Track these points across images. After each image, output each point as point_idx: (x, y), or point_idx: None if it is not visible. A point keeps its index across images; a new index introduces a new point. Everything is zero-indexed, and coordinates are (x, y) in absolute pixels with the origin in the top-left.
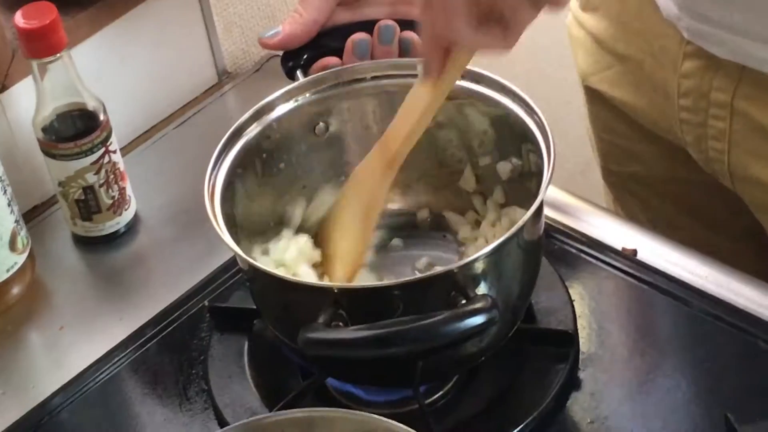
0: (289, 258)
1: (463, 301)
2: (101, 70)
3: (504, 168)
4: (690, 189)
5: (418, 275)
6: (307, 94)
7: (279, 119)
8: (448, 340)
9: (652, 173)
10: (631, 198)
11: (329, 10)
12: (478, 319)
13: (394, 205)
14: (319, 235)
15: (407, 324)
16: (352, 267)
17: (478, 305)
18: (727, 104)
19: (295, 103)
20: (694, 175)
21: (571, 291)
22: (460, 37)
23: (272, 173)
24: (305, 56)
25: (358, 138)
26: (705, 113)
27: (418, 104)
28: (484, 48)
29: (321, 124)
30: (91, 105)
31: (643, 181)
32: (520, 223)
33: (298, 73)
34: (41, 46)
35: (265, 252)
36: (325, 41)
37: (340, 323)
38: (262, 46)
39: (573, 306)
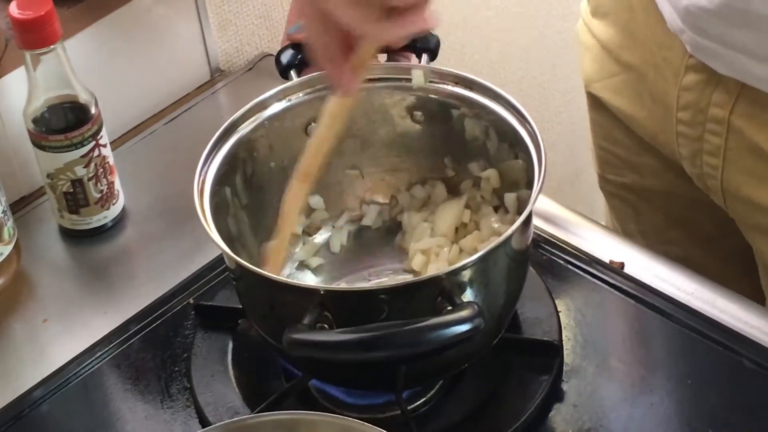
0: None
1: (449, 308)
2: (94, 63)
3: (490, 174)
4: (682, 204)
5: (406, 279)
6: (301, 94)
7: (271, 118)
8: (432, 347)
9: (647, 185)
10: (624, 207)
11: None
12: (463, 327)
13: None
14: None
15: (392, 328)
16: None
17: (463, 313)
18: (724, 120)
19: (288, 103)
20: (688, 191)
21: (557, 302)
22: (362, 30)
23: (263, 173)
24: (299, 56)
25: (348, 140)
26: (702, 128)
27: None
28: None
29: (313, 124)
30: (83, 98)
31: (637, 192)
32: (510, 231)
33: (292, 72)
34: (35, 37)
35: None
36: None
37: (325, 325)
38: (292, 40)
39: (559, 317)
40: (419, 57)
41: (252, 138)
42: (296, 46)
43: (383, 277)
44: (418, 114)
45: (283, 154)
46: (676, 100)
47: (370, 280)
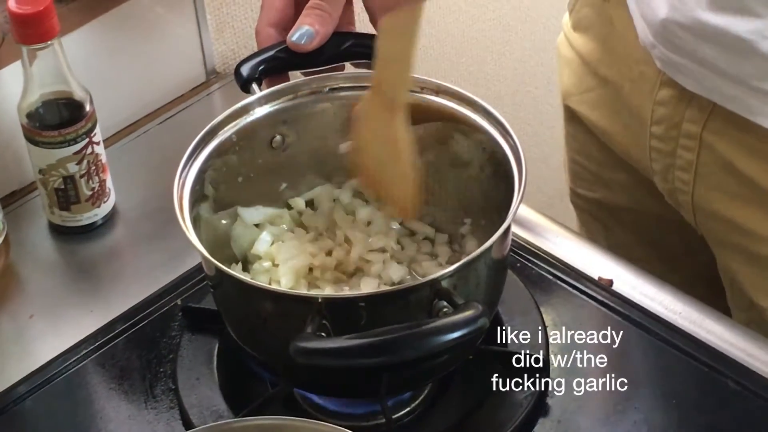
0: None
1: (445, 309)
2: (90, 60)
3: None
4: (651, 222)
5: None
6: (266, 107)
7: (237, 132)
8: (444, 347)
9: (617, 202)
10: (594, 223)
11: (344, 6)
12: (470, 327)
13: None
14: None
15: (402, 332)
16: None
17: (469, 313)
18: (697, 136)
19: (251, 117)
20: (658, 209)
21: (545, 317)
22: None
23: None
24: (261, 68)
25: (314, 151)
26: (675, 143)
27: (396, 40)
28: None
29: (278, 137)
30: (78, 95)
31: (607, 207)
32: (490, 242)
33: (254, 86)
34: (33, 32)
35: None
36: (280, 54)
37: (323, 333)
38: (296, 50)
39: (546, 331)
40: None
41: (220, 152)
42: (258, 57)
43: None
44: None
45: (250, 167)
46: (650, 115)
47: None
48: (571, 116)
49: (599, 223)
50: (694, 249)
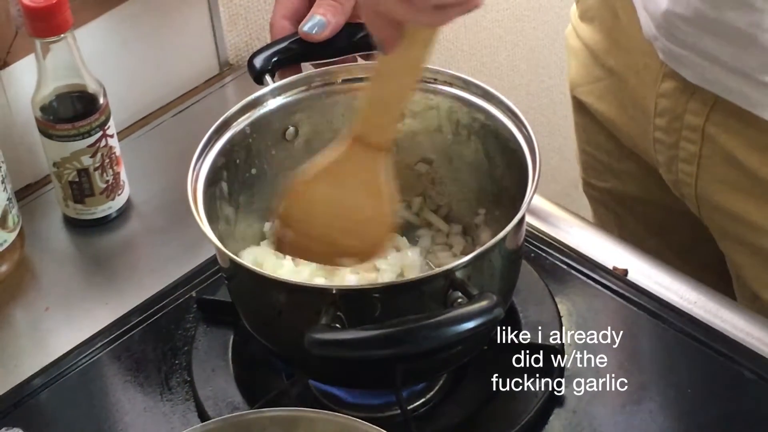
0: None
1: (459, 300)
2: (104, 53)
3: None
4: (660, 212)
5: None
6: (280, 98)
7: (252, 124)
8: (459, 338)
9: (627, 191)
10: (606, 213)
11: None
12: (485, 317)
13: None
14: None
15: (417, 322)
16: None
17: (484, 303)
18: (699, 128)
19: (265, 109)
20: (665, 198)
21: (560, 306)
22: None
23: (245, 179)
24: (274, 59)
25: (327, 142)
26: (678, 134)
27: (388, 84)
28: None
29: (291, 128)
30: (92, 87)
31: (618, 197)
32: (504, 232)
33: (267, 77)
34: (46, 25)
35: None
36: (293, 45)
37: (337, 324)
38: (307, 39)
39: (561, 321)
40: None
41: (234, 144)
42: (271, 48)
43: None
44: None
45: (264, 159)
46: (653, 106)
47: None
48: (580, 107)
49: (611, 212)
50: (703, 239)
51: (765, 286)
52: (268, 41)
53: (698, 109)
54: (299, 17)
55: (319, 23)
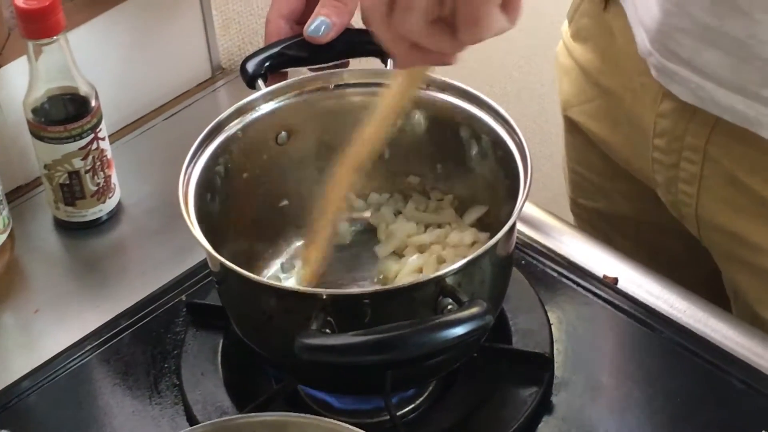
0: None
1: (450, 306)
2: (96, 55)
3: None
4: (652, 232)
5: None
6: (272, 103)
7: (243, 128)
8: (448, 345)
9: (618, 212)
10: (594, 233)
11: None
12: (475, 324)
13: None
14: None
15: (407, 328)
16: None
17: (474, 310)
18: (701, 149)
19: (257, 113)
20: (659, 219)
21: (549, 314)
22: (414, 34)
23: (236, 184)
24: (267, 64)
25: (319, 147)
26: (678, 155)
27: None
28: (431, 47)
29: (284, 133)
30: (84, 90)
31: (607, 218)
32: (494, 240)
33: (260, 82)
34: (39, 27)
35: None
36: (285, 50)
37: (328, 330)
38: (312, 41)
39: (551, 329)
40: (384, 62)
41: (226, 148)
42: (263, 53)
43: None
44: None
45: (255, 164)
46: (652, 127)
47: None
48: (572, 126)
49: (600, 233)
50: (696, 259)
51: (766, 305)
52: (261, 46)
53: (699, 130)
54: (295, 17)
55: (324, 24)
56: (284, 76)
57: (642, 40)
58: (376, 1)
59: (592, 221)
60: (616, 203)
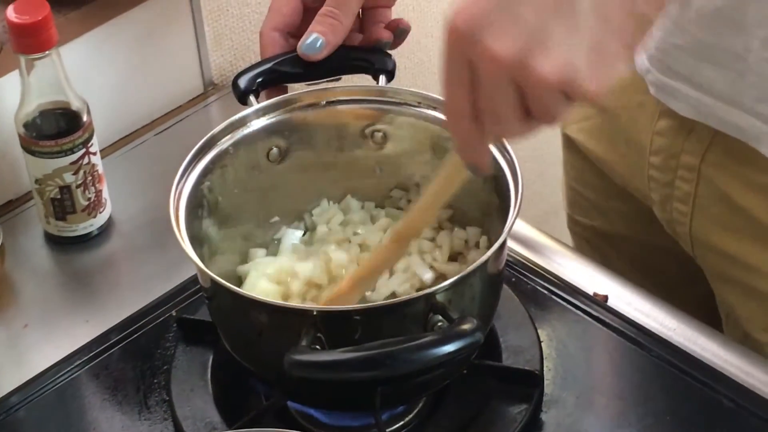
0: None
1: (440, 323)
2: (88, 70)
3: None
4: (649, 251)
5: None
6: (263, 119)
7: (235, 144)
8: (438, 362)
9: (615, 230)
10: (591, 250)
11: (355, 17)
12: (465, 341)
13: None
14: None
15: (397, 345)
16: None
17: (465, 327)
18: (695, 168)
19: (249, 129)
20: (656, 239)
21: (540, 332)
22: (510, 132)
23: (229, 200)
24: (259, 80)
25: (311, 163)
26: (673, 173)
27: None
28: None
29: (275, 149)
30: (75, 105)
31: (604, 236)
32: (484, 257)
33: (251, 98)
34: (31, 42)
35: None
36: (277, 66)
37: (318, 346)
38: (306, 58)
39: (541, 347)
40: (376, 79)
41: (217, 163)
42: (255, 69)
43: None
44: (378, 135)
45: (246, 180)
46: (649, 144)
47: None
48: (569, 145)
49: (596, 251)
50: (692, 279)
51: (757, 326)
52: (253, 61)
53: (695, 149)
54: (290, 30)
55: (318, 41)
56: (284, 90)
57: (639, 58)
58: (459, 111)
59: (589, 239)
60: (612, 222)
